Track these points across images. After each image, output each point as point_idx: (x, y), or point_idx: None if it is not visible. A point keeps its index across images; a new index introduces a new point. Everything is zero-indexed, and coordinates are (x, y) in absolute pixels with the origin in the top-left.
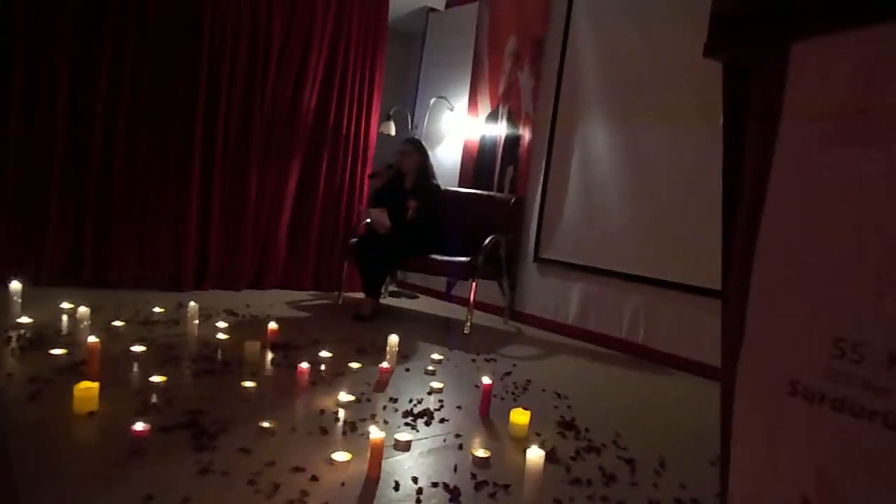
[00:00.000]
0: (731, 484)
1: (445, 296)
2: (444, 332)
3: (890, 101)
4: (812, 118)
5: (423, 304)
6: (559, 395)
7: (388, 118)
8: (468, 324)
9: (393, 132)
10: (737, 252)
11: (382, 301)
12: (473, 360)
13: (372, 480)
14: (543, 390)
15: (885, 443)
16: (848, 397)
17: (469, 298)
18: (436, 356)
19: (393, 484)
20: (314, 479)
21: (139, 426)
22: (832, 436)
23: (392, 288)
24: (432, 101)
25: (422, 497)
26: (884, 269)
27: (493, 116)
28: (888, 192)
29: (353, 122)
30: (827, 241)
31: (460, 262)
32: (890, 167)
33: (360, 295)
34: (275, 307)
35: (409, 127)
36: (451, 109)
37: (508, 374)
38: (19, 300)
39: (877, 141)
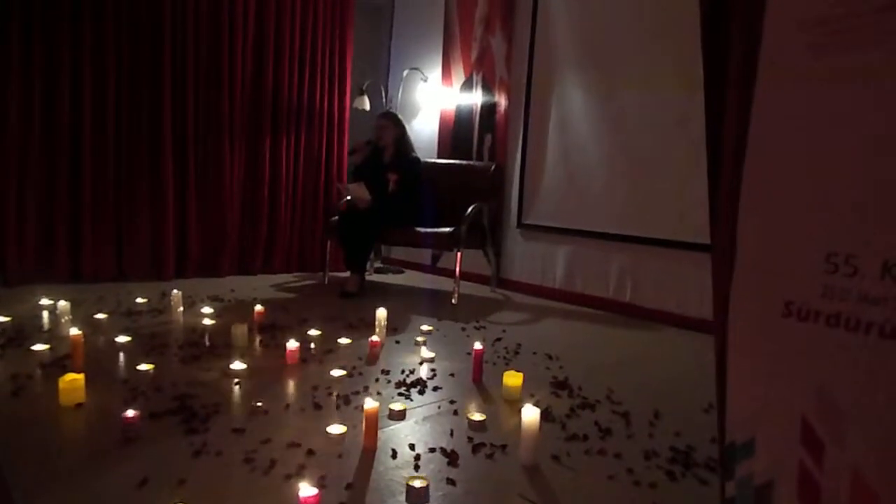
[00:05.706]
0: (728, 412)
1: (431, 268)
2: (431, 304)
3: (877, 3)
4: (798, 28)
5: (410, 278)
6: (550, 357)
7: (362, 93)
8: (455, 294)
9: (367, 107)
10: (725, 177)
11: (368, 278)
12: (463, 329)
13: (369, 450)
14: (534, 353)
15: (882, 353)
16: (843, 312)
17: (455, 269)
18: (425, 327)
19: (390, 452)
20: (311, 452)
21: (129, 413)
22: (829, 352)
23: (377, 264)
24: (405, 73)
25: (420, 463)
26: (873, 176)
27: (467, 85)
28: (878, 97)
29: (327, 99)
30: (816, 153)
31: (444, 233)
32: (883, 71)
33: (346, 273)
34: (260, 290)
35: (384, 101)
36: (425, 80)
37: (499, 339)
38: None
39: (865, 45)
